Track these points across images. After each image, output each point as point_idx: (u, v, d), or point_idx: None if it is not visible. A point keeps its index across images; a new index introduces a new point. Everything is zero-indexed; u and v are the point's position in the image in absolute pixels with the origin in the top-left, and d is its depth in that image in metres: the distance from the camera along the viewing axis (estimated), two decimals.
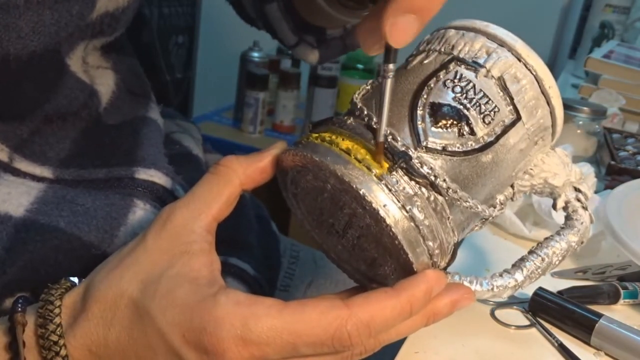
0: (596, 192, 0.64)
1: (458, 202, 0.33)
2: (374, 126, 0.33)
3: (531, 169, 0.37)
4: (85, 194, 0.43)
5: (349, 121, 0.34)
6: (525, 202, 0.60)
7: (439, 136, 0.33)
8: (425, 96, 0.34)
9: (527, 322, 0.46)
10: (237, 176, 0.35)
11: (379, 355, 0.43)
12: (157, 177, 0.46)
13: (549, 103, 0.35)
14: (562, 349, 0.43)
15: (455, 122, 0.34)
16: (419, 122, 0.33)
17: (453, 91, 0.34)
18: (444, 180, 0.32)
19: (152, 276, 0.32)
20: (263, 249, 0.58)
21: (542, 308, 0.46)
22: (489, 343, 0.43)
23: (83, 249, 0.41)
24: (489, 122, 0.34)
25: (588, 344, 0.43)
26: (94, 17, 0.42)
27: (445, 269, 0.35)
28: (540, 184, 0.37)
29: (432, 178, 0.32)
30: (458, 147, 0.33)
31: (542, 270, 0.38)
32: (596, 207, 0.58)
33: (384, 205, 0.31)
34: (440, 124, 0.33)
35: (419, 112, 0.33)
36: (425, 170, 0.32)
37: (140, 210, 0.44)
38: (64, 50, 0.43)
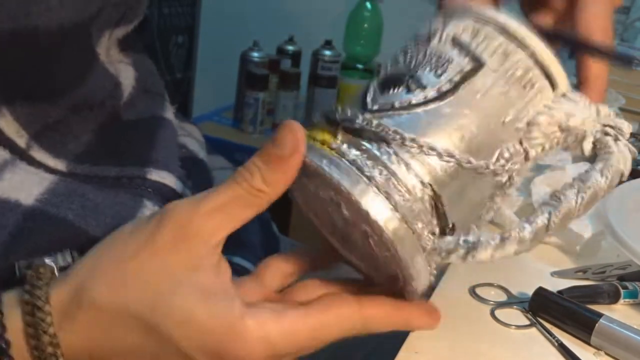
0: None
1: (417, 152, 0.32)
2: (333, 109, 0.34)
3: (536, 118, 0.34)
4: (96, 190, 0.43)
5: (318, 119, 0.35)
6: (525, 202, 0.60)
7: (386, 99, 0.33)
8: (376, 77, 0.35)
9: (527, 322, 0.46)
10: (268, 198, 0.33)
11: (379, 355, 0.44)
12: (168, 179, 0.46)
13: (525, 45, 0.34)
14: (562, 348, 0.43)
15: (401, 83, 0.33)
16: (368, 96, 0.34)
17: (403, 61, 0.34)
18: (395, 131, 0.32)
19: (162, 293, 0.32)
20: (265, 250, 0.58)
21: (542, 308, 0.46)
22: (489, 343, 0.43)
23: (89, 243, 0.40)
24: (442, 73, 0.33)
25: (588, 343, 0.43)
26: None
27: (444, 232, 0.33)
28: (555, 132, 0.34)
29: (380, 130, 0.32)
30: (409, 103, 0.33)
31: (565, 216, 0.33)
32: (596, 207, 0.58)
33: (329, 164, 0.32)
34: (386, 90, 0.33)
35: (370, 88, 0.34)
36: (371, 127, 0.32)
37: (148, 211, 0.44)
38: (95, 37, 0.43)
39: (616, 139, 0.33)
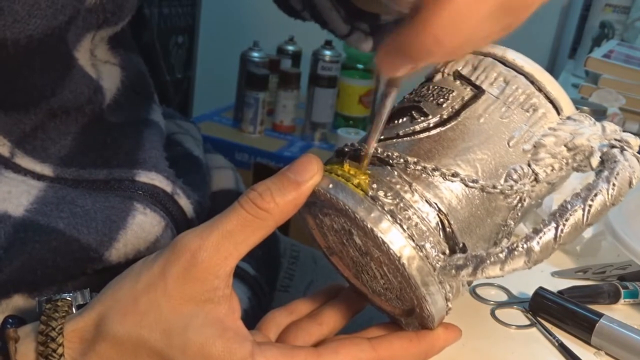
0: None
1: (423, 175, 0.32)
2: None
3: (542, 140, 0.34)
4: (86, 195, 0.43)
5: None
6: None
7: (391, 130, 0.34)
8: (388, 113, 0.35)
9: (527, 322, 0.46)
10: (274, 221, 0.33)
11: None
12: (157, 180, 0.46)
13: (522, 73, 0.35)
14: (562, 348, 0.43)
15: (405, 114, 0.35)
16: (373, 130, 0.35)
17: (406, 97, 0.36)
18: (399, 155, 0.33)
19: (176, 326, 0.32)
20: (263, 249, 0.58)
21: (542, 308, 0.46)
22: (489, 343, 0.43)
23: (81, 251, 0.41)
24: (442, 102, 0.34)
25: (588, 343, 0.43)
26: (93, 1, 0.42)
27: (454, 251, 0.33)
28: (563, 152, 0.34)
29: (385, 157, 0.33)
30: (412, 130, 0.34)
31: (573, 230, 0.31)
32: None
33: (335, 189, 0.33)
34: (392, 122, 0.35)
35: (379, 124, 0.35)
36: (376, 154, 0.33)
37: (140, 214, 0.44)
38: (72, 42, 0.42)
39: (622, 150, 0.33)
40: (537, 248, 0.30)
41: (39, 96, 0.42)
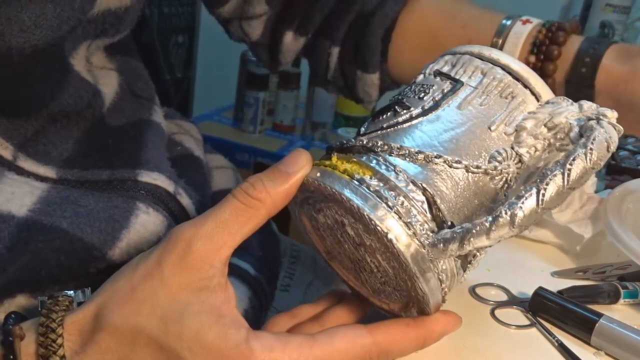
0: (596, 191, 0.64)
1: (407, 158, 0.34)
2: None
3: (522, 123, 0.35)
4: (89, 196, 0.43)
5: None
6: None
7: (377, 124, 0.36)
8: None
9: (527, 322, 0.46)
10: (266, 210, 0.34)
11: None
12: (160, 180, 0.46)
13: (499, 65, 0.37)
14: (562, 348, 0.43)
15: (389, 110, 0.37)
16: (362, 127, 0.37)
17: (391, 98, 0.38)
18: (383, 143, 0.34)
19: (172, 313, 0.32)
20: (263, 249, 0.58)
21: (542, 308, 0.46)
22: (489, 343, 0.43)
23: (85, 250, 0.41)
24: (423, 96, 0.36)
25: (588, 343, 0.43)
26: (95, 13, 0.42)
27: (442, 228, 0.33)
28: (543, 132, 0.35)
29: (370, 146, 0.35)
30: (396, 122, 0.36)
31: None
32: (596, 207, 0.58)
33: (322, 176, 0.34)
34: (377, 118, 0.37)
35: (365, 123, 0.37)
36: (361, 144, 0.35)
37: (143, 213, 0.44)
38: (67, 49, 0.43)
39: (599, 120, 0.34)
40: (520, 213, 0.31)
41: (39, 102, 0.42)
